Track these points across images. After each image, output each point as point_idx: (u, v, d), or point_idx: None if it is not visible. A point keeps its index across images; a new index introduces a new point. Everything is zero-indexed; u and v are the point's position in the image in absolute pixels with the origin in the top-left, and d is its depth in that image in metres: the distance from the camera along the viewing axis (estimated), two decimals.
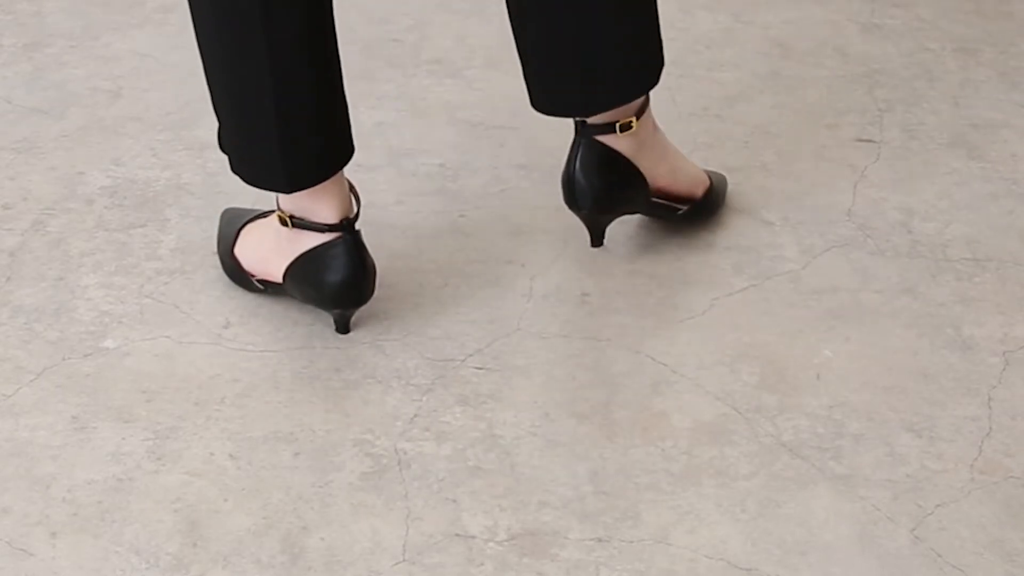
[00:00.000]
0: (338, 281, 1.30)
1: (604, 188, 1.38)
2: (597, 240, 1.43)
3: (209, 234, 1.48)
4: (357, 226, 1.31)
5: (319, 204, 1.29)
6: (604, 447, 1.22)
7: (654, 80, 1.36)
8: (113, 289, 1.41)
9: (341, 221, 1.30)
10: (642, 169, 1.38)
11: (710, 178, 1.48)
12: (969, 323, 1.37)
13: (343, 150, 1.31)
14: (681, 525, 1.15)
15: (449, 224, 1.51)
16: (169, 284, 1.41)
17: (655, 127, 1.41)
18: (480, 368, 1.31)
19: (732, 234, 1.49)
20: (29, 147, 1.63)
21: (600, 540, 1.13)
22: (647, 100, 1.38)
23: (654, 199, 1.42)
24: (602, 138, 1.36)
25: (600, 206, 1.39)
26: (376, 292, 1.40)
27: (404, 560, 1.11)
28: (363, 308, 1.37)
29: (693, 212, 1.46)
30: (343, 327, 1.34)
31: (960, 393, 1.29)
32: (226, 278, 1.42)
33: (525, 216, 1.52)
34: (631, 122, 1.36)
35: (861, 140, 1.66)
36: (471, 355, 1.32)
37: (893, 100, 1.74)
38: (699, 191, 1.46)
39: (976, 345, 1.34)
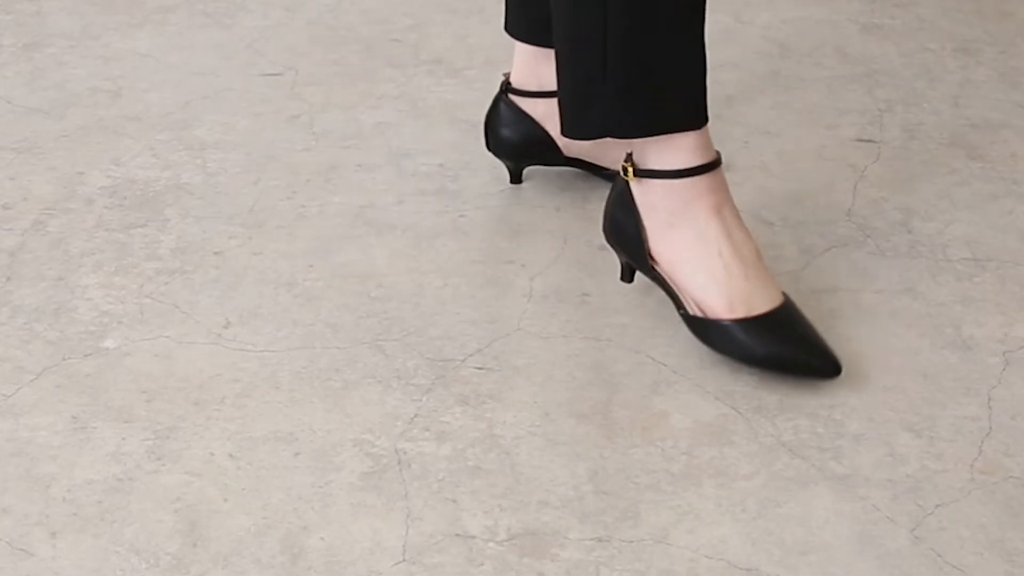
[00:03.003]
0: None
1: (611, 222, 1.33)
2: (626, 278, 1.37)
3: (209, 234, 1.48)
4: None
5: None
6: (604, 447, 1.22)
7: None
8: (113, 289, 1.41)
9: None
10: (643, 225, 1.29)
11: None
12: (969, 323, 1.37)
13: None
14: (681, 525, 1.15)
15: (449, 224, 1.51)
16: (169, 284, 1.41)
17: (681, 210, 1.26)
18: (480, 368, 1.31)
19: None
20: (29, 147, 1.63)
21: (600, 540, 1.13)
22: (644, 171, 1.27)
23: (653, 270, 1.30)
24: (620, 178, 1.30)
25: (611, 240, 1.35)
26: (376, 292, 1.40)
27: (404, 560, 1.11)
28: (363, 308, 1.37)
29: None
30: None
31: (960, 393, 1.29)
32: (226, 278, 1.42)
33: (525, 216, 1.52)
34: (625, 168, 1.27)
35: (861, 140, 1.66)
36: (471, 355, 1.32)
37: (893, 100, 1.74)
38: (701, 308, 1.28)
39: (976, 345, 1.34)
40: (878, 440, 1.23)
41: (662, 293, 1.40)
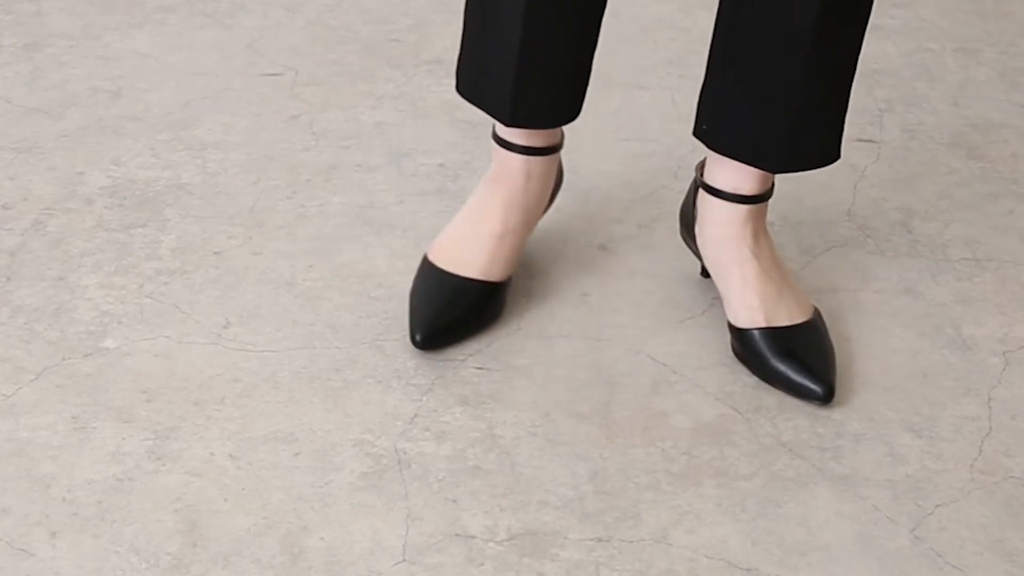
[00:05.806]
0: None
1: (683, 220, 1.40)
2: (706, 272, 1.40)
3: (209, 234, 1.48)
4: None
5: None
6: (604, 447, 1.22)
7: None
8: (113, 289, 1.41)
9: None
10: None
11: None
12: (969, 323, 1.37)
13: (569, 110, 1.34)
14: (681, 525, 1.15)
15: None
16: (169, 284, 1.41)
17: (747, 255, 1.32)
18: (480, 368, 1.31)
19: None
20: (29, 147, 1.63)
21: (600, 540, 1.13)
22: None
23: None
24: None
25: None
26: (376, 292, 1.40)
27: (404, 560, 1.11)
28: (363, 308, 1.37)
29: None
30: None
31: (960, 393, 1.29)
32: (226, 278, 1.42)
33: None
34: (697, 175, 1.34)
35: (861, 140, 1.66)
36: (471, 355, 1.32)
37: (893, 100, 1.74)
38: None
39: (976, 345, 1.34)
40: (878, 440, 1.23)
41: (662, 293, 1.41)
